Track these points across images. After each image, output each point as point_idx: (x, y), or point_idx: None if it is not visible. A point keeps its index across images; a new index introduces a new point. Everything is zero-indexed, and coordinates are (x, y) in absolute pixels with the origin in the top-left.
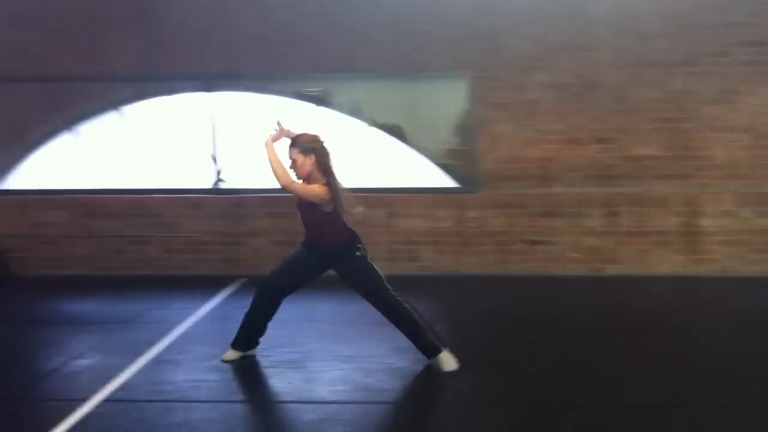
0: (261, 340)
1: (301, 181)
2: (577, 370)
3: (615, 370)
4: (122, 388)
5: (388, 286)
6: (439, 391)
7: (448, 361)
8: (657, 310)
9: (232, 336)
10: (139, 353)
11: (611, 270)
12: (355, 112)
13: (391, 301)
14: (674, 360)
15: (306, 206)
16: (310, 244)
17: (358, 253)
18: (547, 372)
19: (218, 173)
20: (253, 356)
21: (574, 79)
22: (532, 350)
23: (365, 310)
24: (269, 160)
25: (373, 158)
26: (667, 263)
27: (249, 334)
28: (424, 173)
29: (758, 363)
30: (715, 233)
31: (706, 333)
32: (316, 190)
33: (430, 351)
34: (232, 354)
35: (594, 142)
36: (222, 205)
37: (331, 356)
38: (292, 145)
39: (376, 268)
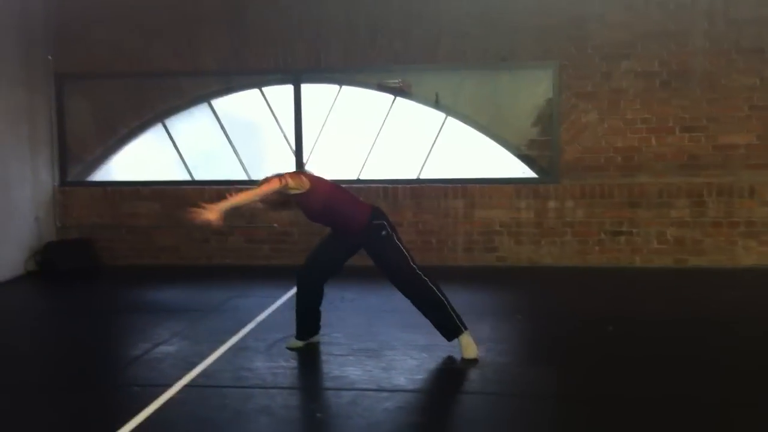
0: (345, 329)
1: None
2: (655, 365)
3: (699, 366)
4: (204, 374)
5: (414, 265)
6: (512, 383)
7: (469, 346)
8: (743, 303)
9: (321, 323)
10: (221, 340)
11: (696, 262)
12: (436, 103)
13: (415, 281)
14: (756, 355)
15: (309, 210)
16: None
17: (383, 233)
18: (621, 367)
19: (301, 164)
20: (331, 344)
21: (663, 66)
22: (607, 345)
23: None
24: (240, 203)
25: (452, 149)
26: (755, 255)
27: (303, 323)
28: (505, 164)
29: None
30: None
31: None
32: (269, 183)
33: (453, 332)
34: (294, 342)
35: (682, 130)
36: None
37: (408, 345)
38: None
39: (404, 248)
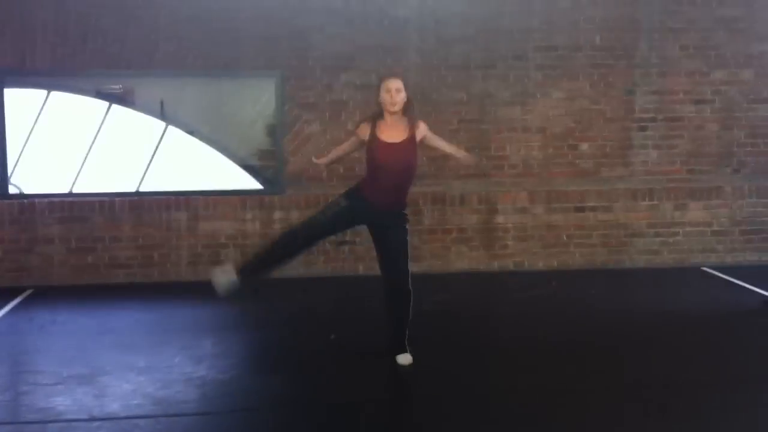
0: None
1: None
2: (379, 367)
3: (419, 365)
4: None
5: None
6: (233, 398)
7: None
8: (452, 304)
9: (27, 349)
10: None
11: (414, 267)
12: (158, 111)
13: (409, 277)
14: (462, 350)
15: (415, 161)
16: (375, 206)
17: (408, 223)
18: (345, 371)
19: (5, 177)
20: (37, 372)
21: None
22: (331, 351)
23: (163, 318)
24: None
25: (175, 160)
26: (467, 259)
27: (257, 268)
28: (230, 175)
29: (542, 349)
30: (510, 229)
31: (497, 324)
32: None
33: (402, 345)
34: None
35: None
36: (7, 211)
37: (125, 368)
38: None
39: None
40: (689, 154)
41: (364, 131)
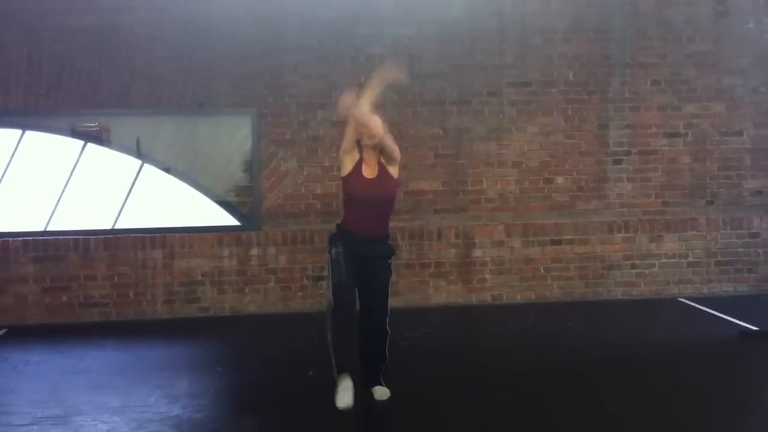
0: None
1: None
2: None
3: (404, 397)
4: None
5: None
6: None
7: (381, 390)
8: (430, 338)
9: (1, 390)
10: None
11: (392, 302)
12: (133, 149)
13: (387, 314)
14: (441, 385)
15: (388, 187)
16: (360, 235)
17: (393, 257)
18: (322, 409)
19: None
20: (11, 413)
21: None
22: (309, 389)
23: (138, 357)
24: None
25: (150, 197)
26: (445, 293)
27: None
28: (206, 212)
29: (521, 382)
30: (487, 263)
31: (476, 357)
32: (394, 147)
33: (378, 380)
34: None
35: None
36: None
37: (99, 408)
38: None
39: None
40: (663, 187)
41: (354, 154)
